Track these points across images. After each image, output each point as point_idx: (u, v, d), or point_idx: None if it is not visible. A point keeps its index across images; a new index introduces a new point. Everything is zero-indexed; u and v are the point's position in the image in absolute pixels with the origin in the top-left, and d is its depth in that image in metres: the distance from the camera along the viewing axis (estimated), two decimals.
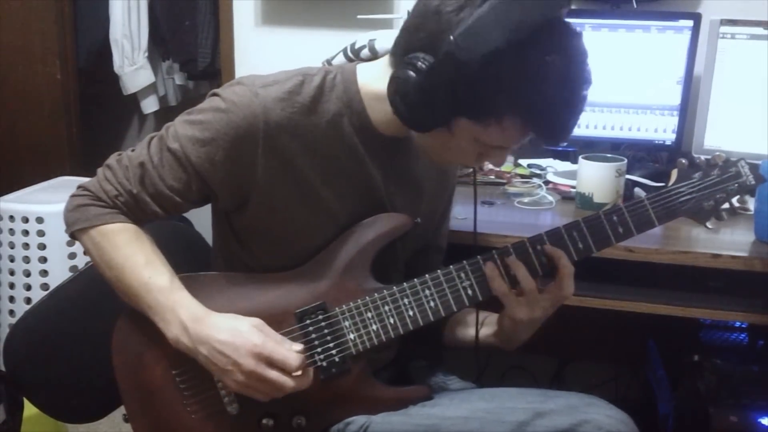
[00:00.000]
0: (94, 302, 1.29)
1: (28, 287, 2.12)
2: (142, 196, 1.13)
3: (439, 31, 0.97)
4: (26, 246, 2.10)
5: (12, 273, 2.13)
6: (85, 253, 1.19)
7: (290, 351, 1.08)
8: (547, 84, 0.96)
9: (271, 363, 1.07)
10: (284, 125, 1.09)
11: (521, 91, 0.96)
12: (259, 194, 1.12)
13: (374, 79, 1.12)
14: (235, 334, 1.07)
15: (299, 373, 1.08)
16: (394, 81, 1.03)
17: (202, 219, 1.36)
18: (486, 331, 1.25)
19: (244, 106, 1.08)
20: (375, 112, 1.13)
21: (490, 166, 1.95)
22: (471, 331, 1.26)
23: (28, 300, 2.12)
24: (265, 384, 1.07)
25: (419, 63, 0.98)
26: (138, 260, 1.13)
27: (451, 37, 0.95)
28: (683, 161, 1.18)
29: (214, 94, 1.12)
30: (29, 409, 1.44)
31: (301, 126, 1.10)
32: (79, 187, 1.18)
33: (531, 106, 0.98)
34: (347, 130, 1.13)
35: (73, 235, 1.18)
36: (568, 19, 1.01)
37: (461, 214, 1.43)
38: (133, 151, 1.16)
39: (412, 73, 0.99)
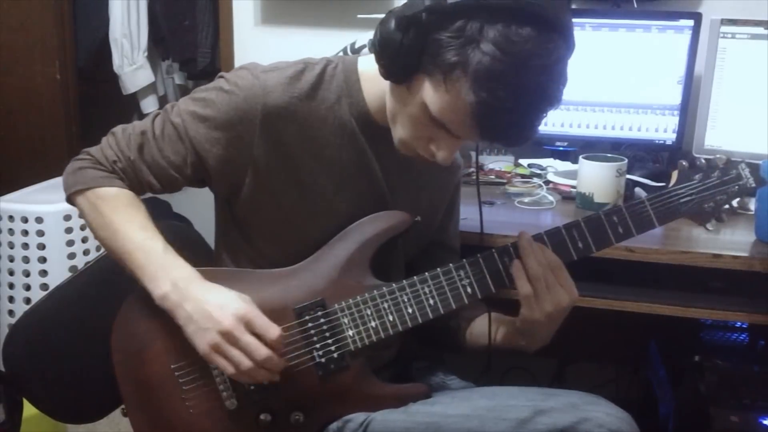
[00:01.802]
0: (94, 302, 1.29)
1: (28, 287, 2.12)
2: (139, 164, 1.16)
3: None
4: (25, 246, 2.10)
5: (11, 273, 2.13)
6: (80, 215, 1.20)
7: (272, 324, 1.08)
8: (503, 58, 0.92)
9: (251, 328, 1.07)
10: (283, 109, 1.11)
11: (480, 52, 0.93)
12: (255, 178, 1.13)
13: (373, 63, 1.12)
14: (225, 297, 1.08)
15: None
16: (377, 27, 1.03)
17: (202, 219, 1.36)
18: (501, 335, 1.24)
19: (245, 87, 1.11)
20: (373, 98, 1.14)
21: (491, 166, 1.95)
22: (485, 337, 1.25)
23: (27, 300, 2.12)
24: (237, 349, 1.06)
25: (403, 13, 0.99)
26: (133, 224, 1.14)
27: None
28: (684, 163, 1.18)
29: (221, 76, 1.15)
30: (28, 410, 1.44)
31: (300, 112, 1.12)
32: (82, 151, 1.21)
33: (483, 74, 0.93)
34: (346, 119, 1.14)
35: (70, 199, 1.20)
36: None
37: (463, 214, 1.43)
38: (138, 122, 1.19)
39: (393, 20, 1.00)
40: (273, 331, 1.07)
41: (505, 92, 0.94)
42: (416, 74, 1.01)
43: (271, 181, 1.13)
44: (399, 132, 1.10)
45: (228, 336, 1.06)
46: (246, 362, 1.06)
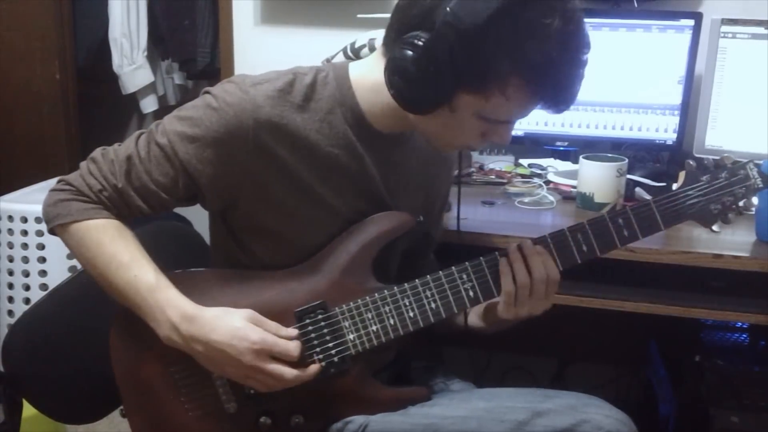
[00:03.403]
0: (93, 302, 1.28)
1: (27, 287, 2.12)
2: (127, 190, 1.12)
3: (432, 6, 0.97)
4: (25, 246, 2.10)
5: (11, 273, 2.13)
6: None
7: (288, 342, 1.09)
8: (548, 43, 0.96)
9: (272, 356, 1.07)
10: (275, 123, 1.08)
11: (523, 52, 0.96)
12: (252, 193, 1.11)
13: (367, 72, 1.12)
14: (232, 332, 1.06)
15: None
16: (391, 63, 1.02)
17: (202, 219, 1.35)
18: (473, 318, 1.26)
19: (234, 104, 1.07)
20: (369, 106, 1.12)
21: (491, 166, 1.95)
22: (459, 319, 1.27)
23: (27, 300, 2.12)
24: (266, 376, 1.08)
25: (416, 41, 0.98)
26: (123, 258, 1.11)
27: (447, 8, 0.95)
28: (691, 162, 1.16)
29: (206, 92, 1.11)
30: (28, 410, 1.44)
31: (293, 124, 1.09)
32: (60, 180, 1.16)
33: (534, 67, 0.97)
34: (341, 127, 1.12)
35: (53, 231, 1.16)
36: None
37: (463, 214, 1.42)
38: (119, 146, 1.15)
39: (409, 52, 0.99)
40: (293, 350, 1.08)
41: (560, 68, 0.98)
42: (457, 94, 1.00)
43: (268, 194, 1.11)
44: (447, 142, 1.11)
45: (252, 369, 1.07)
46: (278, 385, 1.09)
